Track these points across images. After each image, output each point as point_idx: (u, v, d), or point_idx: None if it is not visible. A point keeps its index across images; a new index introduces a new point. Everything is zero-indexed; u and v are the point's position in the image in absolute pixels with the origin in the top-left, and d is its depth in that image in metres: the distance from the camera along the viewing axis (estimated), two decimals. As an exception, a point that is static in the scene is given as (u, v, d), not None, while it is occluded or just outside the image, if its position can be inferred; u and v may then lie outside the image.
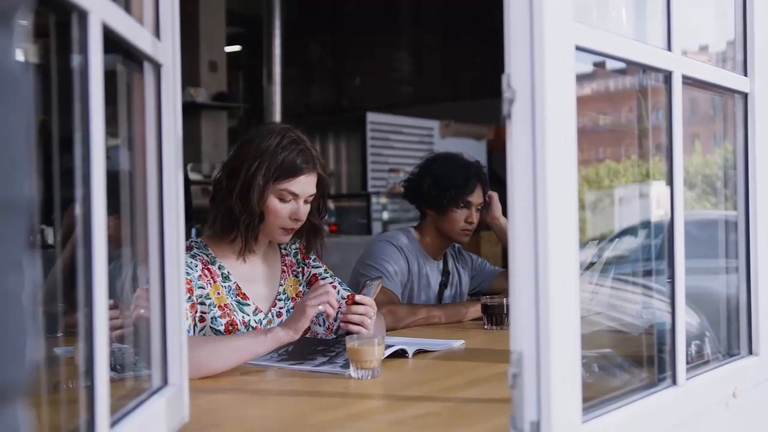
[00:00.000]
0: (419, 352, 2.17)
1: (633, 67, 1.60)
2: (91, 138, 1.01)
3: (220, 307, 2.16)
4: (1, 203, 0.51)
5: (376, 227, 7.32)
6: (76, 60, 1.02)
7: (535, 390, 1.16)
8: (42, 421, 1.15)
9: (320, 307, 1.98)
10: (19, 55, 0.54)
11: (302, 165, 2.19)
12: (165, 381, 1.37)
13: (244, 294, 2.23)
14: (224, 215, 2.20)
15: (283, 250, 2.40)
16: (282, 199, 2.19)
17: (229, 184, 2.19)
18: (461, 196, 2.98)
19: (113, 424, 1.10)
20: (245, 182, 2.15)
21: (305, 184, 2.21)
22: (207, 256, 2.22)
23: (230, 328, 2.16)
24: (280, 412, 1.66)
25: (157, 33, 1.35)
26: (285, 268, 2.37)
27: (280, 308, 2.31)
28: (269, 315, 2.27)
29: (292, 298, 2.35)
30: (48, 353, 1.37)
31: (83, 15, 1.00)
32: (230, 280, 2.22)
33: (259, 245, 2.28)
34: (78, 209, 1.02)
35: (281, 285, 2.34)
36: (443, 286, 3.14)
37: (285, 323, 2.01)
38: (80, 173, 1.01)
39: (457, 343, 2.35)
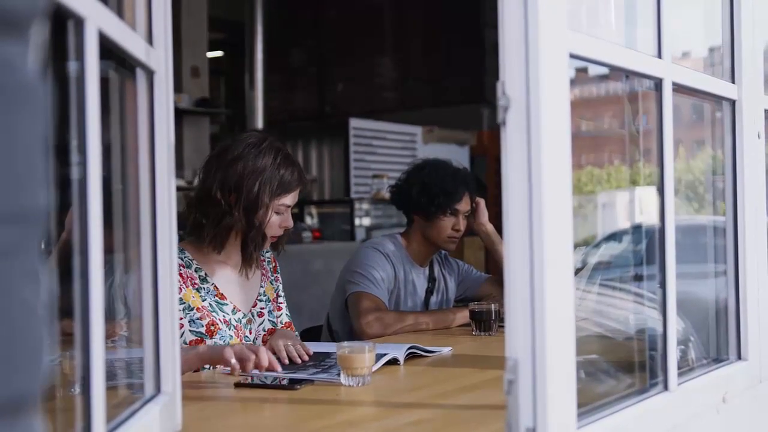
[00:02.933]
0: (411, 357, 2.18)
1: (616, 73, 1.61)
2: (88, 145, 1.00)
3: (198, 309, 2.22)
4: (18, 213, 0.51)
5: (360, 233, 7.30)
6: (71, 66, 1.01)
7: (531, 396, 1.16)
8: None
9: (233, 361, 1.88)
10: (35, 64, 0.54)
11: (298, 181, 2.31)
12: (158, 389, 1.36)
13: (222, 294, 2.29)
14: (225, 231, 2.25)
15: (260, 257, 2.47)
16: (278, 213, 2.29)
17: (227, 201, 2.22)
18: (449, 204, 2.98)
19: (108, 433, 1.09)
20: (250, 202, 2.22)
21: (296, 196, 2.33)
22: (182, 259, 2.25)
23: (212, 328, 2.22)
24: (272, 421, 1.65)
25: (149, 40, 1.34)
26: (264, 271, 2.45)
27: (261, 308, 2.39)
28: (249, 314, 2.34)
29: (272, 300, 2.43)
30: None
31: (79, 22, 0.99)
32: (208, 282, 2.27)
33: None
34: (73, 216, 1.01)
35: (262, 287, 2.42)
36: (429, 292, 3.14)
37: (209, 349, 2.07)
38: (77, 180, 1.00)
39: (446, 350, 2.35)
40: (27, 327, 0.52)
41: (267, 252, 2.48)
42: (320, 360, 2.14)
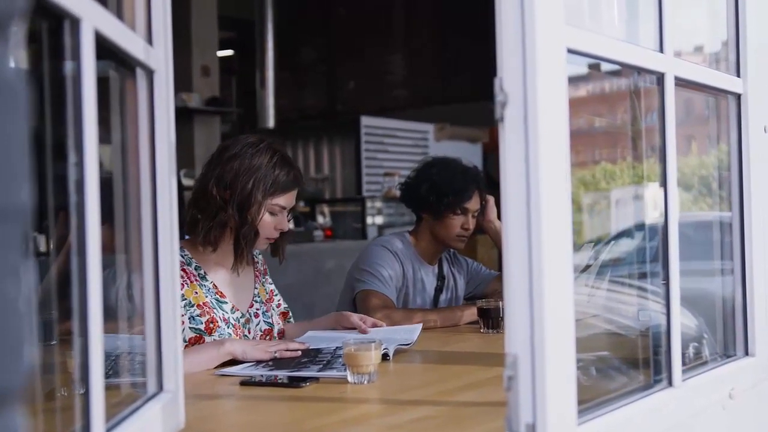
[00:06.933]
0: (415, 353, 2.19)
1: (627, 68, 1.60)
2: (85, 145, 1.01)
3: (198, 306, 2.25)
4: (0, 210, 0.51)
5: (371, 232, 7.30)
6: (68, 66, 1.02)
7: (531, 392, 1.16)
8: (37, 429, 1.14)
9: (276, 354, 2.13)
10: (15, 63, 0.54)
11: (294, 182, 2.34)
12: (160, 387, 1.37)
13: (222, 293, 2.33)
14: (218, 227, 2.28)
15: (253, 258, 2.50)
16: (272, 213, 2.31)
17: (222, 196, 2.26)
18: (459, 203, 2.97)
19: (108, 430, 1.09)
20: (243, 198, 2.26)
21: (292, 199, 2.36)
22: (182, 257, 2.28)
23: (210, 325, 2.25)
24: (276, 418, 1.65)
25: (149, 39, 1.35)
26: (258, 273, 2.50)
27: (257, 309, 2.43)
28: (247, 314, 2.38)
29: (265, 302, 2.47)
30: (44, 360, 1.37)
31: (75, 22, 1.00)
32: (207, 280, 2.31)
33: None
34: (72, 216, 1.02)
35: (256, 288, 2.46)
36: (439, 290, 3.13)
37: (238, 342, 2.16)
38: (74, 180, 1.00)
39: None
40: (8, 322, 0.53)
41: (258, 254, 2.52)
42: (315, 356, 2.14)
